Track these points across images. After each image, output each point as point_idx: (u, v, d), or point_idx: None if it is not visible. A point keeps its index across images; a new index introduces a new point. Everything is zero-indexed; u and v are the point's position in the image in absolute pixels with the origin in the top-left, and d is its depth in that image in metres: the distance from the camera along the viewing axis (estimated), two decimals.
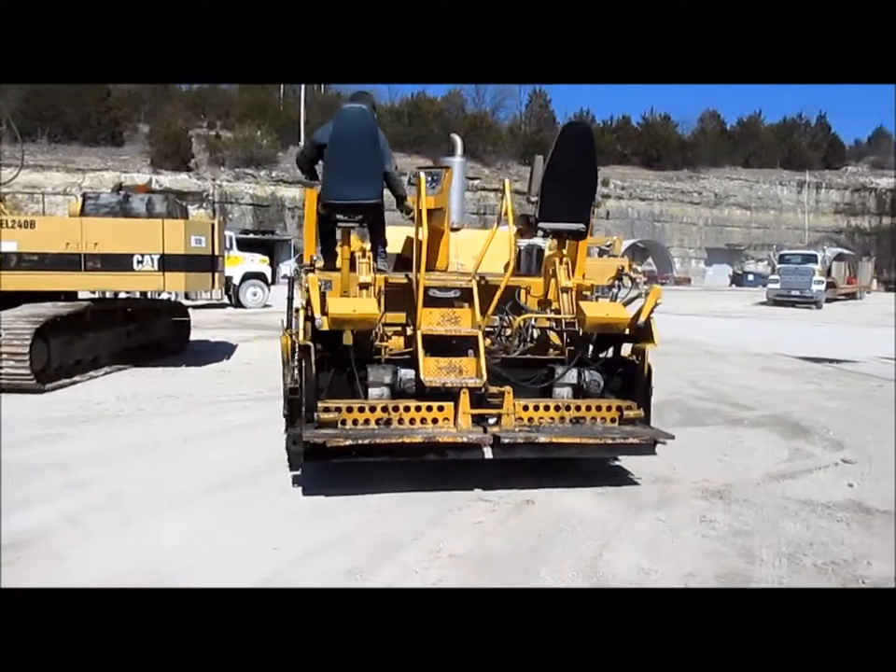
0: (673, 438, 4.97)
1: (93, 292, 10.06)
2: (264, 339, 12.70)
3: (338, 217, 5.06)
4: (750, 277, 47.21)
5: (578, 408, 4.93)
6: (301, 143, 44.58)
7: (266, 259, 23.29)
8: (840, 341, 14.75)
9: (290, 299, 5.74)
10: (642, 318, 4.94)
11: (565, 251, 5.43)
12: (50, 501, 4.39)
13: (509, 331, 5.23)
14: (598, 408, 4.95)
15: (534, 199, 5.29)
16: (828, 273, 30.43)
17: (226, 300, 21.57)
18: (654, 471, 5.23)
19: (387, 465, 4.76)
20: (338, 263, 5.15)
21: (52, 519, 4.12)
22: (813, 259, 29.32)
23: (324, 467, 5.23)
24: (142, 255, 8.87)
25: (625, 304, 5.30)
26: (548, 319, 5.49)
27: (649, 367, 4.99)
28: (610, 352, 5.31)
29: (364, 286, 4.90)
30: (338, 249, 5.25)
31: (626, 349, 5.27)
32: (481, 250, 4.94)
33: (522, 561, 3.72)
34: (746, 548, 3.93)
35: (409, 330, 5.03)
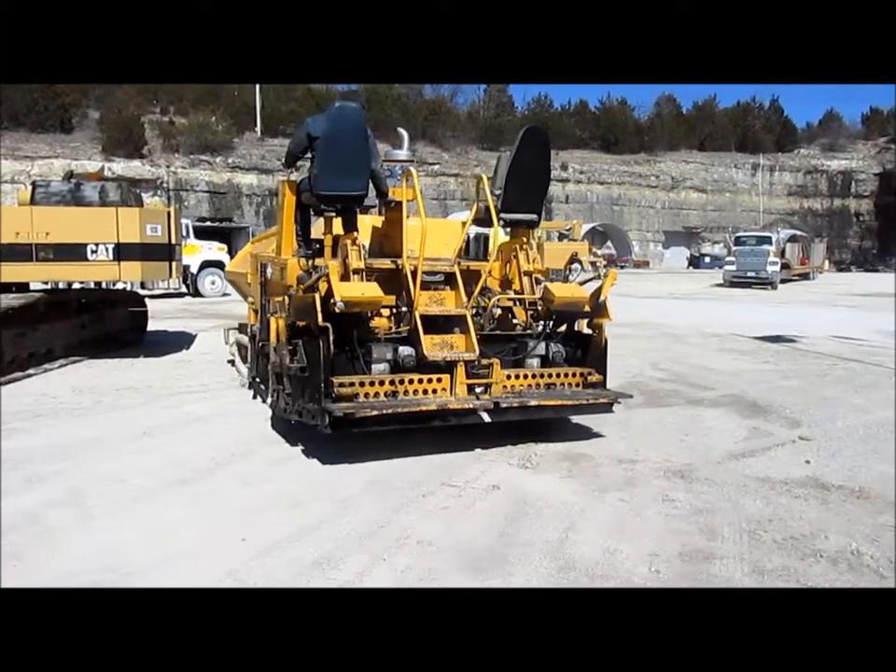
0: (631, 397, 6.03)
1: (46, 283, 9.79)
2: (223, 328, 12.52)
3: (323, 207, 5.53)
4: (707, 259, 47.95)
5: (550, 375, 5.60)
6: (258, 129, 44.04)
7: (224, 247, 22.92)
8: (795, 321, 15.05)
9: (264, 284, 5.91)
10: (602, 297, 5.67)
11: (525, 239, 6.18)
12: (6, 497, 4.28)
13: (483, 311, 5.82)
14: (566, 375, 5.65)
15: (497, 192, 5.88)
16: (782, 254, 31.03)
17: (183, 289, 21.26)
18: (617, 452, 5.30)
19: (355, 451, 4.77)
20: (326, 251, 5.63)
21: (9, 516, 4.01)
22: (768, 240, 29.87)
23: (291, 455, 5.23)
24: (96, 244, 8.66)
25: (581, 285, 6.07)
26: (515, 299, 6.04)
27: (605, 339, 5.69)
28: (563, 328, 5.98)
29: (357, 271, 5.39)
30: (321, 236, 5.68)
31: (578, 325, 6.02)
32: (429, 238, 5.36)
33: (490, 544, 3.74)
34: (708, 526, 4.00)
35: (401, 311, 5.46)
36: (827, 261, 42.85)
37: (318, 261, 5.57)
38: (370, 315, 5.31)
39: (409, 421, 4.92)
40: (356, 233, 5.58)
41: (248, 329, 6.90)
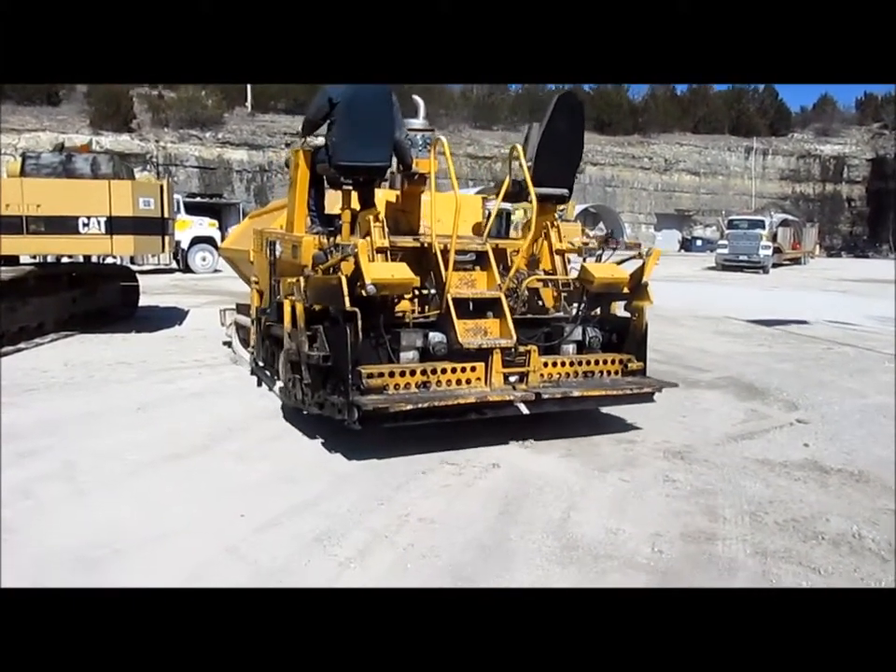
0: (676, 385, 5.61)
1: (34, 257, 9.65)
2: (216, 304, 12.41)
3: (343, 179, 5.12)
4: (699, 243, 47.89)
5: (588, 362, 5.22)
6: (248, 104, 43.52)
7: (215, 222, 22.74)
8: (788, 304, 15.08)
9: (273, 264, 5.55)
10: (645, 278, 5.30)
11: (555, 215, 5.75)
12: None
13: (514, 293, 5.39)
14: (604, 361, 5.27)
15: (527, 164, 5.38)
16: (774, 238, 31.04)
17: (174, 264, 21.06)
18: (616, 433, 5.28)
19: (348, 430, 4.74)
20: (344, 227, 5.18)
21: (3, 490, 3.95)
22: (760, 224, 29.87)
23: (287, 431, 5.18)
24: (88, 217, 8.53)
25: (618, 265, 5.59)
26: (548, 280, 5.66)
27: (646, 324, 5.31)
28: (598, 310, 5.56)
29: (381, 250, 4.92)
30: (338, 211, 5.27)
31: (612, 308, 5.63)
32: (449, 214, 4.91)
33: (491, 523, 3.71)
34: (709, 507, 3.99)
35: (428, 294, 5.03)
36: (818, 246, 42.94)
37: (338, 239, 5.09)
38: (396, 298, 4.89)
39: (444, 415, 4.53)
40: (378, 209, 5.13)
41: (251, 311, 6.48)
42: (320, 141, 5.35)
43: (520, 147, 5.37)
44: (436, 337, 4.78)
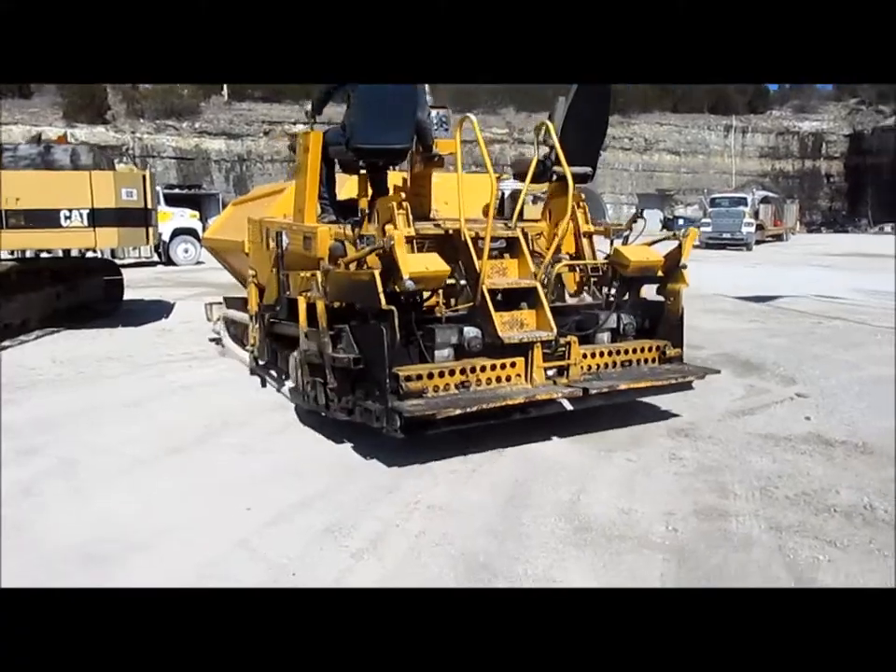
0: (718, 372, 5.34)
1: (11, 252, 9.45)
2: (202, 297, 12.26)
3: (362, 163, 4.84)
4: (681, 222, 47.83)
5: (626, 351, 4.98)
6: (224, 93, 42.96)
7: (196, 213, 22.46)
8: (774, 280, 15.12)
9: (280, 257, 5.17)
10: (683, 260, 5.05)
11: (582, 195, 5.43)
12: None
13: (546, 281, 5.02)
14: (641, 349, 5.04)
15: (550, 142, 5.13)
16: (756, 215, 31.13)
17: (156, 257, 20.81)
18: (617, 411, 5.24)
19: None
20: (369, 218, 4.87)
21: (4, 488, 3.86)
22: (743, 202, 29.96)
23: (287, 423, 5.10)
24: (69, 210, 8.34)
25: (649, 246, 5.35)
26: (580, 265, 5.38)
27: (682, 308, 5.10)
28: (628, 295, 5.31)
29: (407, 240, 4.48)
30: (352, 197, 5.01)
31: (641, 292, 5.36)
32: (458, 195, 4.62)
33: (502, 507, 3.67)
34: (718, 483, 3.97)
35: (457, 285, 4.65)
36: (799, 222, 43.18)
37: (363, 230, 4.77)
38: (427, 292, 4.59)
39: (489, 417, 4.20)
40: (402, 194, 4.68)
41: (249, 307, 6.10)
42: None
43: (551, 124, 5.07)
44: (471, 332, 4.46)
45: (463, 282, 4.62)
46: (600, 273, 5.30)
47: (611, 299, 5.25)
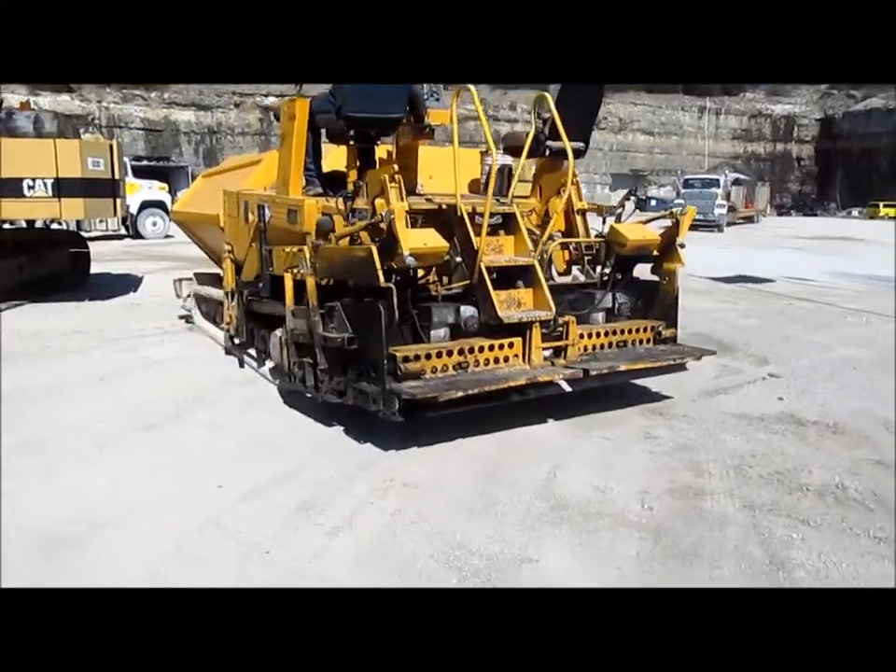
0: (714, 353, 5.38)
1: None
2: (171, 270, 12.06)
3: (353, 133, 4.67)
4: (653, 202, 48.19)
5: (622, 331, 4.92)
6: None
7: (165, 186, 22.03)
8: (746, 262, 15.24)
9: (263, 231, 4.94)
10: (680, 239, 4.96)
11: (576, 171, 5.26)
12: None
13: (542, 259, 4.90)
14: (636, 330, 4.98)
15: (545, 115, 5.08)
16: (728, 197, 31.38)
17: (123, 230, 20.39)
18: (594, 390, 5.23)
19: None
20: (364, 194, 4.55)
21: None
22: (715, 183, 30.16)
23: (260, 398, 5.03)
24: (33, 179, 8.12)
25: (643, 225, 5.30)
26: (574, 243, 5.27)
27: (677, 288, 5.08)
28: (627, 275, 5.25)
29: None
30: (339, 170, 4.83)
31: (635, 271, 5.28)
32: (446, 171, 4.54)
33: (478, 485, 3.65)
34: (693, 462, 3.99)
35: (452, 263, 4.47)
36: (769, 205, 43.62)
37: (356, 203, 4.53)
38: (423, 270, 4.45)
39: (488, 399, 4.10)
40: (395, 166, 4.40)
41: (225, 284, 5.86)
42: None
43: (548, 95, 4.95)
44: (467, 311, 4.34)
45: (458, 259, 4.47)
46: (593, 251, 5.23)
47: (605, 278, 5.18)
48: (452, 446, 4.16)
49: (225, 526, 3.20)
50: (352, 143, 4.86)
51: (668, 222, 5.12)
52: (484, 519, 3.29)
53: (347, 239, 4.19)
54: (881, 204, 44.05)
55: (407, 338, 4.23)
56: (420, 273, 4.47)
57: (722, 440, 4.33)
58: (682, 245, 5.01)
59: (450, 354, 4.17)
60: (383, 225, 3.94)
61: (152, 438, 4.31)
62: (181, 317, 7.86)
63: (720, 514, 3.35)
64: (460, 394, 3.89)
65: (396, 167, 4.34)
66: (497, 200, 4.88)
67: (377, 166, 4.84)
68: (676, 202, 30.85)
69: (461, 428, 4.34)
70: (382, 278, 3.81)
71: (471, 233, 4.38)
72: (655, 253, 5.08)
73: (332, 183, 4.98)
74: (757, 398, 5.20)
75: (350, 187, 4.76)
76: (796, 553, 2.99)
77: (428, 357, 4.08)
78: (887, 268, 13.50)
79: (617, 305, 5.06)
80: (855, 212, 47.00)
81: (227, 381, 5.48)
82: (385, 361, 3.87)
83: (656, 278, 5.18)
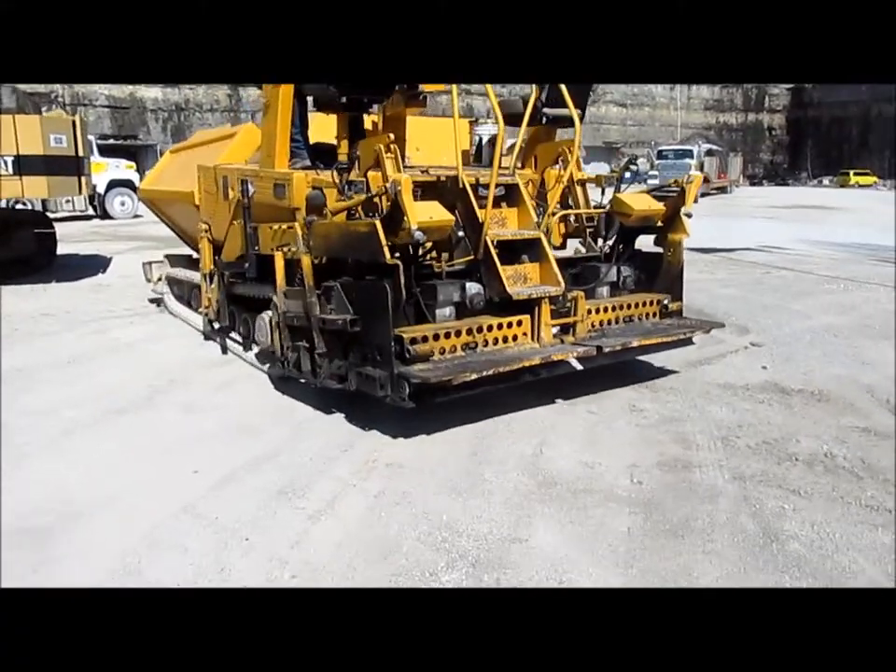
0: (723, 326, 5.29)
1: None
2: (141, 251, 11.80)
3: (346, 100, 4.42)
4: (627, 174, 48.24)
5: (629, 305, 4.77)
6: None
7: (133, 164, 21.51)
8: (721, 232, 15.21)
9: (247, 208, 4.62)
10: (687, 208, 4.80)
11: (573, 139, 5.06)
12: None
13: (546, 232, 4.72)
14: (644, 304, 4.83)
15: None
16: (701, 168, 31.34)
17: (91, 210, 19.92)
18: (576, 364, 5.16)
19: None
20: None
21: None
22: (689, 154, 30.13)
23: (236, 378, 4.89)
24: None
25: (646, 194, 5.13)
26: (576, 215, 5.08)
27: (682, 259, 4.92)
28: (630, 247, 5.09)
29: None
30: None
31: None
32: (432, 141, 4.46)
33: (463, 464, 3.56)
34: (680, 434, 3.93)
35: (454, 237, 4.25)
36: (742, 175, 43.76)
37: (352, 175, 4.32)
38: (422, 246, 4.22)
39: (503, 381, 3.93)
40: (390, 135, 4.14)
41: (202, 265, 5.60)
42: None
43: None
44: (473, 288, 4.14)
45: (460, 234, 4.25)
46: (595, 222, 5.07)
47: (607, 251, 5.03)
48: (432, 423, 4.06)
49: (203, 513, 3.09)
50: (343, 111, 4.60)
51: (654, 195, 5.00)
52: (471, 498, 3.20)
53: (344, 214, 3.99)
54: (851, 173, 44.37)
55: (410, 318, 4.00)
56: (421, 249, 4.28)
57: (708, 410, 4.28)
58: (689, 215, 4.87)
59: (458, 334, 3.96)
60: (385, 197, 3.71)
61: (124, 422, 4.17)
62: (152, 301, 7.60)
63: (709, 487, 3.29)
64: (474, 376, 3.70)
65: (392, 135, 4.09)
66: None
67: (366, 137, 4.63)
68: (650, 173, 30.86)
69: (440, 404, 4.24)
70: (388, 254, 3.61)
71: (475, 206, 4.18)
72: (659, 224, 4.92)
73: (321, 155, 4.72)
74: (741, 367, 5.16)
75: (343, 158, 4.51)
76: (789, 524, 2.94)
77: (437, 337, 3.87)
78: (860, 235, 13.59)
79: (622, 279, 4.91)
80: (826, 181, 47.30)
81: (202, 361, 5.34)
82: (392, 343, 3.66)
83: (658, 250, 5.03)
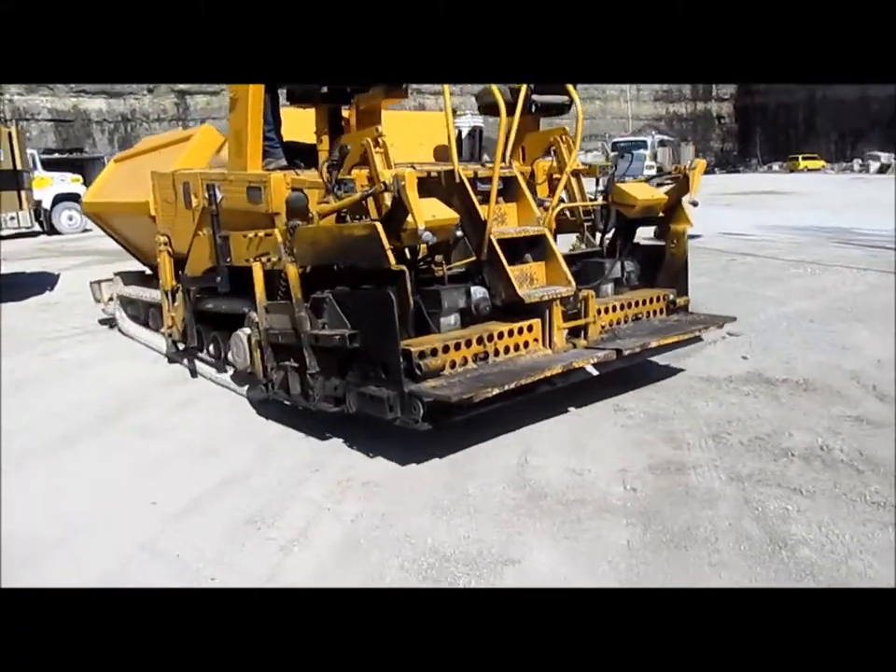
0: (735, 319, 4.92)
1: None
2: (90, 266, 11.35)
3: (324, 92, 4.07)
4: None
5: (637, 303, 4.52)
6: None
7: (79, 178, 20.83)
8: None
9: (215, 216, 4.19)
10: (692, 196, 4.56)
11: (563, 128, 4.79)
12: None
13: None
14: (651, 300, 4.61)
15: None
16: (654, 158, 31.57)
17: (37, 226, 19.21)
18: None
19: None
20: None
21: None
22: (643, 144, 30.18)
23: (195, 397, 4.61)
24: None
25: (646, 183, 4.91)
26: (573, 208, 4.78)
27: (686, 252, 4.69)
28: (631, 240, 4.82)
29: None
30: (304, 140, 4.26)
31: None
32: (410, 136, 4.16)
33: (445, 478, 3.33)
34: (668, 433, 3.75)
35: (453, 237, 3.89)
36: None
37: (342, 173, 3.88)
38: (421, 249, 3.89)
39: (520, 393, 3.60)
40: (378, 127, 3.70)
41: (162, 282, 5.17)
42: None
43: None
44: (478, 292, 3.81)
45: (459, 233, 3.90)
46: (591, 215, 4.81)
47: (607, 245, 4.77)
48: (408, 435, 3.80)
49: (162, 550, 2.81)
50: (322, 103, 4.19)
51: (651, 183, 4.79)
52: (456, 517, 2.97)
53: (333, 217, 3.66)
54: (800, 157, 45.19)
55: (410, 328, 3.61)
56: (422, 251, 3.91)
57: (695, 406, 4.11)
58: (695, 204, 4.66)
59: (468, 344, 3.63)
60: (386, 196, 3.36)
61: (77, 451, 3.85)
62: (103, 322, 7.09)
63: (707, 490, 3.11)
64: (496, 391, 3.32)
65: (380, 128, 3.67)
66: (483, 165, 4.41)
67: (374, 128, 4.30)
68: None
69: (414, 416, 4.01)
70: (392, 259, 3.26)
71: (475, 202, 3.86)
72: (660, 214, 4.68)
73: (297, 154, 4.35)
74: (721, 358, 5.01)
75: (324, 155, 4.09)
76: (795, 527, 2.77)
77: (446, 349, 3.52)
78: (816, 219, 13.70)
79: (626, 274, 4.64)
80: (776, 166, 48.10)
81: (156, 379, 5.03)
82: (400, 359, 3.31)
83: (659, 242, 4.79)
